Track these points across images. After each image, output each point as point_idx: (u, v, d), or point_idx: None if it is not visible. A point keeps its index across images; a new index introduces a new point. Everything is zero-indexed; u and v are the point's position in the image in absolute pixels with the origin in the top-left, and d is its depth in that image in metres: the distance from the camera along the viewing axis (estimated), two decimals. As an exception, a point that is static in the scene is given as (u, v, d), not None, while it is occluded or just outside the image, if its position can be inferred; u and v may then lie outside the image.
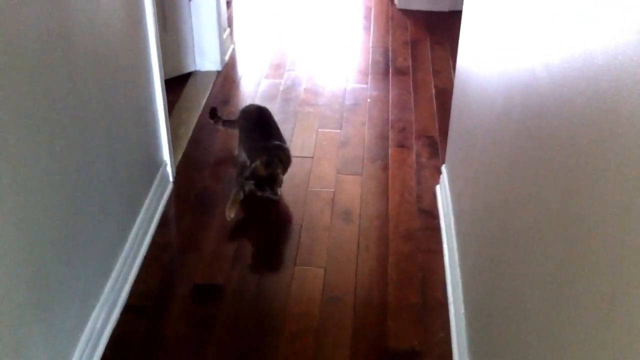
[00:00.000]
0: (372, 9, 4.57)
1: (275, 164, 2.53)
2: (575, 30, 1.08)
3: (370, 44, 4.08)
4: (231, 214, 2.50)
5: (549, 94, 1.21)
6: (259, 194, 2.53)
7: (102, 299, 2.00)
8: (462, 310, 1.96)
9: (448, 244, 2.32)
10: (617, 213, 0.86)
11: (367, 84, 3.60)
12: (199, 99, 3.38)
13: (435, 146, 3.04)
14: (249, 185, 2.52)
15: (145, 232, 2.40)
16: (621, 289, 0.84)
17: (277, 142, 2.68)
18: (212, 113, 2.96)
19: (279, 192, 2.59)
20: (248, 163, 2.63)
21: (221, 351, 2.03)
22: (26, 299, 1.56)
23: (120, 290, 2.14)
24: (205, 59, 3.62)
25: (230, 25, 3.98)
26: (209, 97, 3.40)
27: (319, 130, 3.16)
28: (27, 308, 1.57)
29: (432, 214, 2.60)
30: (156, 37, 2.41)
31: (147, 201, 2.42)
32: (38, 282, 1.61)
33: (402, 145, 3.05)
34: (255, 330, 2.10)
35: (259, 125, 2.77)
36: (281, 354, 2.02)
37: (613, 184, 0.88)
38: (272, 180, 2.50)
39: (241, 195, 2.55)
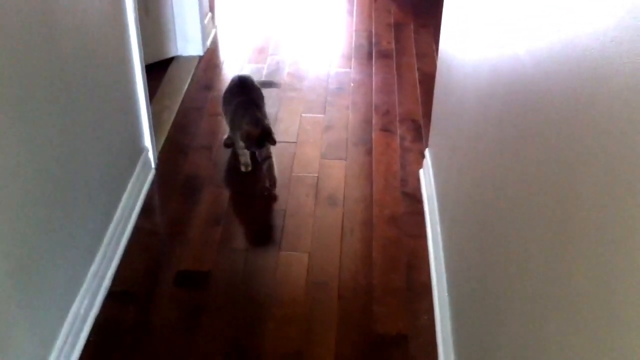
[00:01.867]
0: (356, -7, 4.55)
1: (259, 117, 2.65)
2: (557, 13, 1.08)
3: (354, 28, 4.06)
4: (248, 168, 2.73)
5: (532, 76, 1.21)
6: (261, 149, 2.67)
7: (85, 284, 1.98)
8: (446, 294, 1.97)
9: (432, 228, 2.33)
10: (602, 192, 0.86)
11: (350, 67, 3.59)
12: (181, 84, 3.35)
13: (419, 130, 3.04)
14: (245, 156, 2.73)
15: (128, 218, 2.38)
16: (610, 268, 0.84)
17: (245, 97, 2.78)
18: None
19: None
20: (230, 128, 2.80)
21: (208, 337, 2.02)
22: (9, 285, 1.55)
23: (103, 277, 2.13)
24: (187, 43, 3.59)
25: (212, 9, 3.94)
26: (191, 82, 3.38)
27: (303, 115, 3.15)
28: (11, 294, 1.56)
29: (416, 198, 2.60)
30: (136, 22, 2.38)
31: (129, 187, 2.40)
32: (21, 268, 1.60)
33: (386, 129, 3.05)
34: (242, 317, 2.10)
35: (240, 89, 2.85)
36: (268, 340, 2.02)
37: (596, 163, 0.88)
38: (267, 133, 2.61)
39: (247, 158, 2.74)
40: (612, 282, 0.82)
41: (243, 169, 2.75)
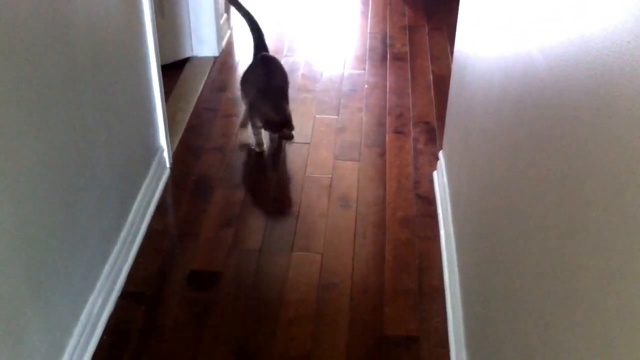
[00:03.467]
0: (370, -5, 4.55)
1: (282, 105, 2.77)
2: (571, 14, 1.08)
3: (368, 30, 4.06)
4: (261, 147, 2.85)
5: (546, 78, 1.20)
6: (275, 135, 2.85)
7: (99, 285, 2.00)
8: (458, 296, 1.97)
9: (445, 230, 2.32)
10: (615, 197, 0.86)
11: (364, 69, 3.59)
12: (196, 85, 3.36)
13: (432, 132, 3.03)
14: (259, 135, 2.84)
15: (142, 219, 2.39)
16: (620, 275, 0.84)
17: (268, 81, 2.84)
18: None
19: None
20: (248, 109, 2.87)
21: (219, 337, 2.03)
22: (24, 285, 1.56)
23: (117, 277, 2.14)
24: (202, 44, 3.60)
25: (227, 10, 3.96)
26: (205, 83, 3.39)
27: (317, 116, 3.15)
28: (25, 294, 1.57)
29: (429, 200, 2.60)
30: (153, 23, 2.39)
31: (143, 187, 2.41)
32: (35, 268, 1.61)
33: (399, 132, 3.05)
34: (253, 317, 2.10)
35: (264, 71, 2.90)
36: (278, 341, 2.02)
37: (611, 167, 0.88)
38: (286, 121, 2.74)
39: (261, 138, 2.85)
40: (623, 283, 0.81)
41: (257, 149, 2.86)
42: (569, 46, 1.08)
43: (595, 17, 0.96)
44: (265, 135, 2.90)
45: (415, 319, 2.10)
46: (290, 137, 2.87)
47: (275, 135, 2.91)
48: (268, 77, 2.86)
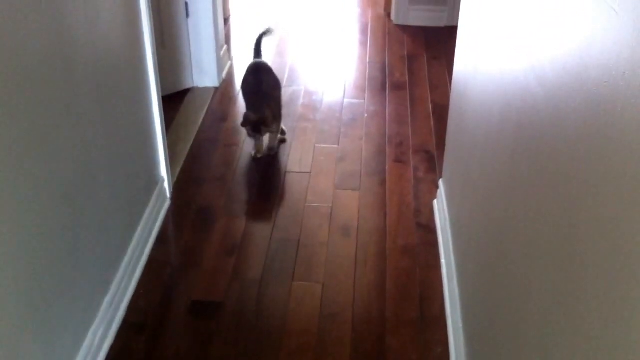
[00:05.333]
0: (369, 24, 4.60)
1: (261, 104, 2.95)
2: (567, 45, 1.09)
3: (367, 59, 4.10)
4: (259, 154, 3.01)
5: (543, 108, 1.22)
6: (261, 136, 2.99)
7: (100, 315, 1.99)
8: (460, 325, 1.96)
9: (446, 259, 2.32)
10: (615, 224, 0.86)
11: (364, 99, 3.61)
12: (197, 115, 3.38)
13: (432, 161, 3.05)
14: (257, 140, 3.01)
15: (143, 249, 2.39)
16: (623, 308, 0.84)
17: (254, 85, 3.07)
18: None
19: (283, 135, 3.13)
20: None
21: (219, 368, 2.02)
22: (25, 315, 1.56)
23: (118, 307, 2.14)
24: (203, 75, 3.63)
25: (227, 41, 4.00)
26: (206, 113, 3.41)
27: (317, 145, 3.17)
28: (26, 325, 1.57)
29: (430, 229, 2.60)
30: (154, 54, 2.42)
31: (144, 217, 2.42)
32: (36, 299, 1.61)
33: (399, 160, 3.06)
34: (254, 348, 2.09)
35: (254, 76, 3.10)
36: (280, 370, 2.01)
37: (611, 195, 0.88)
38: (264, 121, 2.91)
39: (260, 140, 3.02)
40: (627, 316, 0.81)
41: (253, 153, 3.04)
42: (565, 76, 1.09)
43: (591, 48, 0.97)
44: (265, 141, 3.06)
45: (417, 349, 2.09)
46: (283, 141, 3.10)
47: (275, 143, 3.07)
48: (255, 83, 3.06)
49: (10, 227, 1.47)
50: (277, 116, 3.06)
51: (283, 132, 3.17)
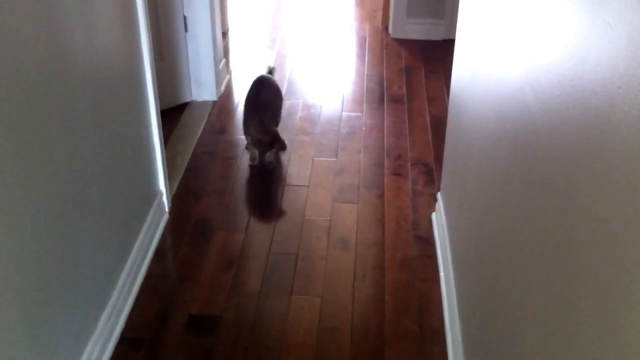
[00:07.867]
0: (367, 38, 4.62)
1: (269, 124, 2.99)
2: (563, 60, 1.09)
3: (365, 72, 4.11)
4: (254, 162, 3.07)
5: (539, 121, 1.22)
6: (268, 153, 3.05)
7: (97, 330, 1.98)
8: (460, 338, 1.95)
9: (445, 271, 2.32)
10: (613, 237, 0.86)
11: (362, 112, 3.62)
12: (195, 129, 3.39)
13: (430, 173, 3.05)
14: (252, 151, 3.05)
15: (141, 263, 2.39)
16: (622, 318, 0.84)
17: (256, 101, 3.07)
18: None
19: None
20: (243, 125, 3.10)
21: (217, 382, 2.01)
22: (20, 331, 1.55)
23: (115, 322, 2.13)
24: (201, 89, 3.64)
25: (226, 55, 4.01)
26: (204, 126, 3.42)
27: (315, 158, 3.17)
28: (22, 340, 1.56)
29: (428, 242, 2.60)
30: (152, 68, 2.42)
31: (142, 232, 2.41)
32: (33, 314, 1.60)
33: (397, 173, 3.06)
34: (252, 361, 2.08)
35: (255, 91, 3.10)
36: (278, 385, 2.00)
37: (608, 207, 0.88)
38: (275, 140, 2.97)
39: (255, 153, 3.06)
40: (626, 328, 0.81)
41: (250, 162, 3.09)
42: (560, 89, 1.09)
43: (586, 62, 0.98)
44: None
45: (416, 362, 2.08)
46: (283, 148, 3.09)
47: (273, 158, 3.08)
48: (257, 97, 3.06)
49: (5, 241, 1.46)
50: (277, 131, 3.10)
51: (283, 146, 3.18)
